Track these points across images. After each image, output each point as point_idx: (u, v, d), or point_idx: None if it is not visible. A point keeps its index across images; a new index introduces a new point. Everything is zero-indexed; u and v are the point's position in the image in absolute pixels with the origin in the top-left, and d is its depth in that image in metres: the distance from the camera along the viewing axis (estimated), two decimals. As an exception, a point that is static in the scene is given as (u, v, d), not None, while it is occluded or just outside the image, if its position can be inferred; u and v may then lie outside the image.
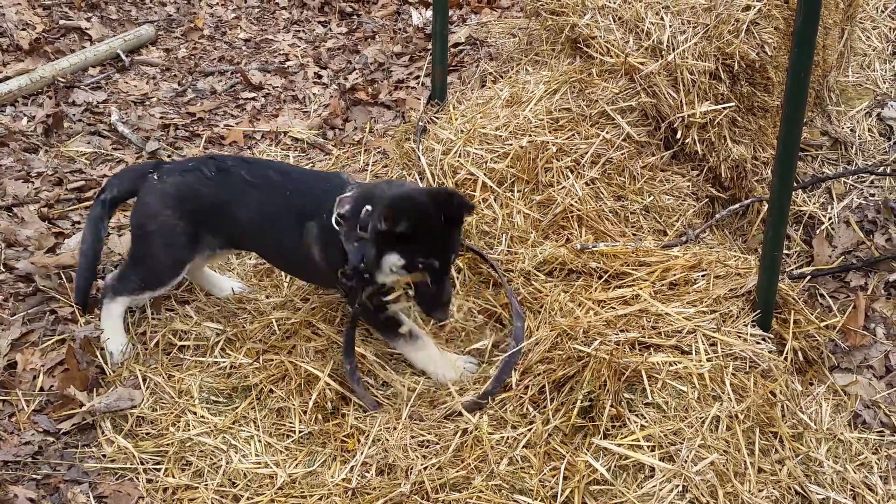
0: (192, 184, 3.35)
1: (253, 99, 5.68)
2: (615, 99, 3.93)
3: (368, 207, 3.10)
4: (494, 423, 3.07)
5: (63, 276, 3.73)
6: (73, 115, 5.19)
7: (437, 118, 4.29)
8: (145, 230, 3.37)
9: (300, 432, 3.15)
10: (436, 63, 4.42)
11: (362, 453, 3.00)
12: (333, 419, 3.19)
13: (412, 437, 3.06)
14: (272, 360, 3.38)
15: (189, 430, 3.15)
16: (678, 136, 3.93)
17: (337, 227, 3.17)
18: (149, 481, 3.00)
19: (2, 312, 3.58)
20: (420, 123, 4.23)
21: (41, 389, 3.29)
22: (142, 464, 3.04)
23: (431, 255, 3.02)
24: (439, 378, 3.29)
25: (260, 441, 3.12)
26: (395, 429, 3.08)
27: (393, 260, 3.05)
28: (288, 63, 6.13)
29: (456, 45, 5.88)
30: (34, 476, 2.97)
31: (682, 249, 3.54)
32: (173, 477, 3.01)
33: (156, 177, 3.37)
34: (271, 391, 3.26)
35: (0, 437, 3.10)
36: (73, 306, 3.59)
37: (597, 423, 2.92)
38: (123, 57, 5.84)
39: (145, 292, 3.45)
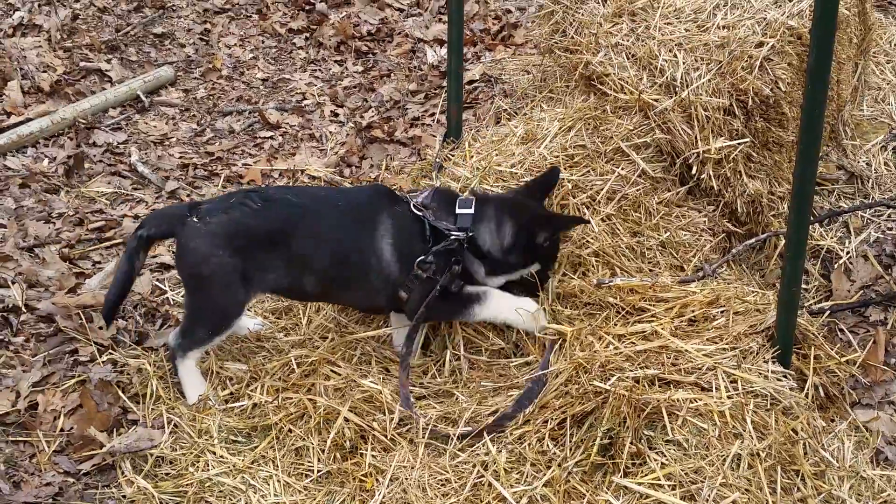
0: (239, 219, 3.31)
1: (270, 137, 5.74)
2: (630, 135, 3.95)
3: (470, 198, 3.42)
4: (514, 459, 3.06)
5: (83, 317, 3.76)
6: (94, 155, 5.26)
7: (452, 155, 4.32)
8: (200, 276, 3.32)
9: (319, 471, 3.14)
10: (451, 101, 4.46)
11: (381, 493, 2.99)
12: (352, 458, 3.18)
13: (430, 475, 3.05)
14: (291, 398, 3.38)
15: (209, 469, 3.15)
16: (693, 171, 3.94)
17: (418, 213, 3.34)
18: (168, 522, 3.00)
19: (23, 353, 3.61)
20: (437, 161, 4.26)
21: (61, 430, 3.30)
22: (161, 504, 3.04)
23: (557, 254, 3.57)
24: (527, 323, 3.45)
25: (279, 481, 3.11)
26: (412, 468, 3.07)
27: (534, 269, 3.51)
28: (305, 102, 6.20)
29: (470, 82, 5.94)
30: (55, 517, 2.99)
31: (700, 285, 3.53)
32: (192, 518, 3.01)
33: (196, 219, 3.30)
34: (290, 430, 3.26)
35: (21, 479, 3.11)
36: (93, 346, 3.62)
37: (617, 460, 2.90)
38: (143, 98, 5.93)
39: (213, 339, 3.42)
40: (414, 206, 3.38)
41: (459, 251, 3.38)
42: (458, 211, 3.39)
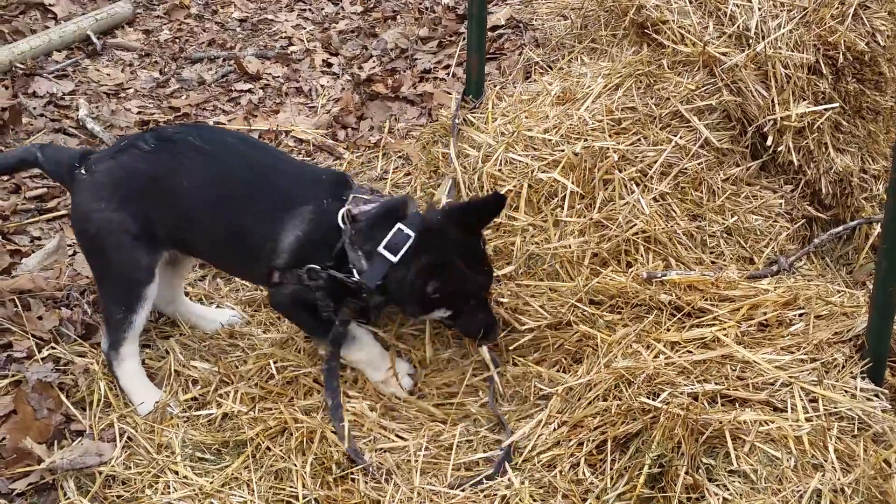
0: (126, 164, 3.37)
1: (249, 91, 5.73)
2: (691, 97, 3.93)
3: (408, 232, 3.23)
4: (541, 490, 3.06)
5: (19, 304, 3.76)
6: (34, 108, 5.25)
7: (472, 118, 4.30)
8: (88, 237, 3.41)
9: (304, 498, 3.14)
10: (471, 50, 4.43)
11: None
12: (343, 483, 3.18)
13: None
14: (270, 409, 3.39)
15: (169, 492, 3.15)
16: (768, 142, 3.92)
17: (342, 226, 3.27)
18: (119, 555, 3.01)
19: (-55, 346, 3.61)
20: (454, 123, 4.24)
21: (-9, 441, 3.30)
22: (111, 534, 3.05)
23: (476, 293, 3.38)
24: (375, 380, 3.49)
25: (255, 509, 3.11)
26: (409, 499, 3.07)
27: (440, 314, 3.40)
28: (291, 48, 6.19)
29: (494, 28, 5.91)
30: (-19, 547, 2.99)
31: (774, 282, 3.52)
32: (148, 551, 3.02)
33: (83, 171, 3.38)
34: (268, 448, 3.26)
35: (-59, 499, 3.12)
36: (31, 339, 3.62)
37: (668, 493, 2.88)
38: (95, 39, 5.92)
39: (132, 319, 3.43)
40: (342, 216, 3.29)
41: (355, 294, 3.33)
42: (380, 249, 3.25)
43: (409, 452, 3.28)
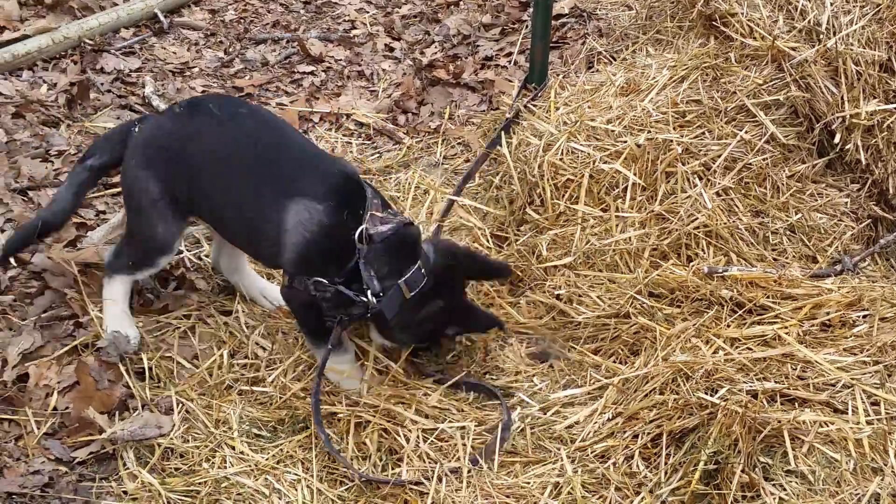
0: (159, 124, 3.47)
1: (311, 73, 5.75)
2: (758, 91, 3.89)
3: (424, 272, 3.27)
4: (594, 480, 3.05)
5: (84, 276, 3.81)
6: (101, 84, 5.32)
7: (534, 105, 4.29)
8: (124, 188, 3.54)
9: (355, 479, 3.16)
10: (535, 38, 4.43)
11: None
12: (398, 465, 3.20)
13: (485, 498, 3.05)
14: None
15: (226, 467, 3.19)
16: (836, 140, 3.88)
17: (358, 244, 3.21)
18: (175, 527, 3.05)
19: (13, 315, 3.67)
20: (509, 113, 4.24)
21: (54, 410, 3.36)
22: (168, 505, 3.09)
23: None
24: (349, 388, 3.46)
25: (309, 487, 3.14)
26: (457, 490, 3.07)
27: (450, 332, 3.47)
28: (354, 32, 6.20)
29: (558, 16, 5.86)
30: (43, 512, 3.05)
31: (837, 281, 3.49)
32: (205, 523, 3.06)
33: (136, 129, 3.49)
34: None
35: (4, 465, 3.17)
36: (94, 311, 3.67)
37: (723, 491, 2.87)
38: (162, 18, 5.97)
39: (136, 272, 3.59)
40: (360, 234, 3.22)
41: (359, 314, 3.33)
42: (400, 282, 3.24)
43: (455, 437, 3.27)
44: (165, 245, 3.51)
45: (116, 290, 3.62)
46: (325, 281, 3.25)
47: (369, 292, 3.24)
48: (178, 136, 3.42)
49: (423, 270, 3.27)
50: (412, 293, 3.25)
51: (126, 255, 3.57)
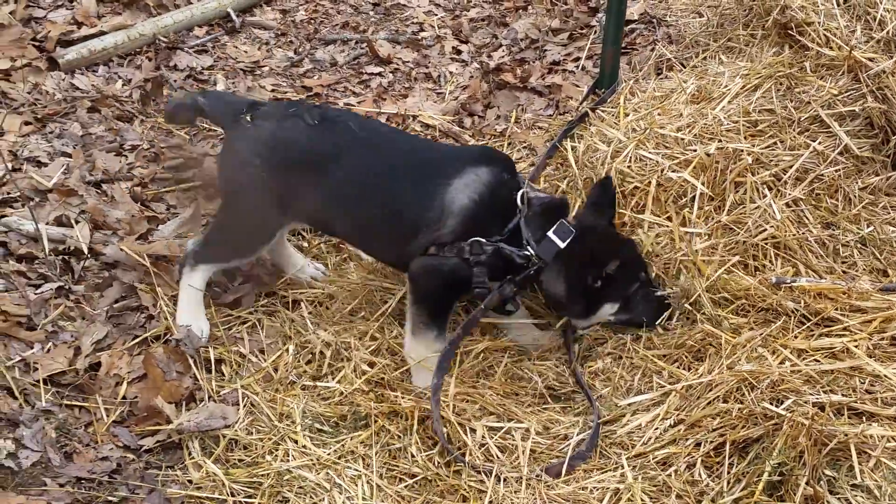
0: (288, 131, 3.52)
1: (379, 74, 5.81)
2: (833, 102, 3.86)
3: (570, 227, 3.47)
4: (654, 488, 3.05)
5: (155, 269, 3.89)
6: (175, 80, 5.43)
7: (604, 112, 4.29)
8: (232, 181, 3.60)
9: (415, 476, 3.19)
10: (607, 43, 4.43)
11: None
12: (456, 464, 3.22)
13: (544, 501, 3.06)
14: (383, 387, 3.49)
15: (288, 460, 3.24)
16: (911, 152, 3.82)
17: (520, 205, 3.42)
18: (238, 517, 3.11)
19: (86, 305, 3.77)
20: (575, 116, 4.23)
21: (123, 398, 3.45)
22: (232, 495, 3.14)
23: (641, 280, 3.57)
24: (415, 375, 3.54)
25: (369, 482, 3.18)
26: (516, 492, 3.10)
27: (608, 310, 3.59)
28: (422, 34, 6.25)
29: (627, 22, 5.84)
30: (109, 498, 3.11)
31: (908, 296, 3.43)
32: (266, 514, 3.11)
33: (249, 119, 3.54)
34: (384, 427, 3.32)
35: (74, 450, 3.26)
36: (164, 302, 3.75)
37: (787, 502, 2.85)
38: (234, 17, 6.08)
39: (231, 261, 3.70)
40: (522, 194, 3.45)
41: (522, 274, 3.47)
42: (549, 234, 3.45)
43: (514, 438, 3.31)
44: (270, 236, 3.64)
45: (197, 280, 3.71)
46: (482, 241, 3.39)
47: (530, 248, 3.42)
48: (314, 150, 3.51)
49: (568, 225, 3.48)
50: (564, 243, 3.44)
51: (223, 242, 3.67)
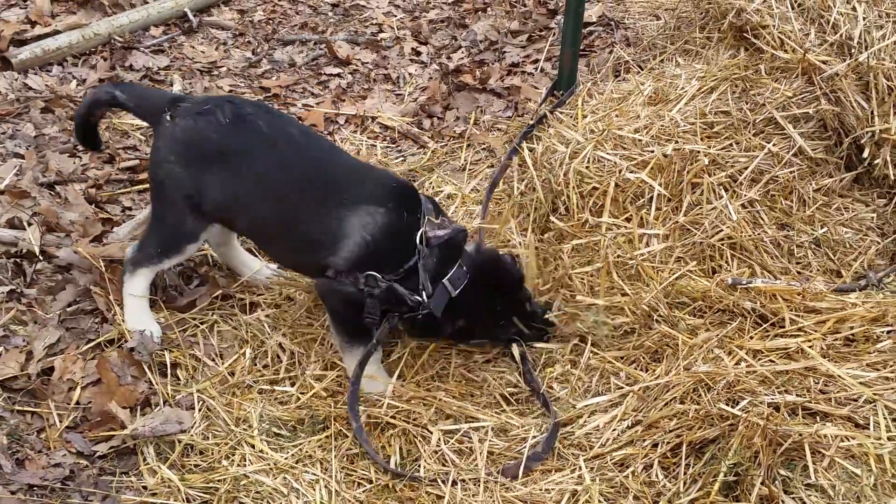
0: (202, 128, 3.51)
1: (338, 75, 5.79)
2: (787, 104, 3.90)
3: (465, 270, 3.44)
4: (612, 489, 3.06)
5: (109, 271, 3.85)
6: (130, 81, 5.36)
7: (562, 113, 4.30)
8: (154, 180, 3.62)
9: (375, 482, 3.18)
10: (565, 45, 4.45)
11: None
12: (414, 470, 3.22)
13: (504, 503, 3.06)
14: (341, 392, 3.47)
15: (245, 465, 3.22)
16: (864, 154, 3.87)
17: (419, 245, 3.37)
18: (194, 523, 3.08)
19: (38, 309, 3.72)
20: (534, 118, 4.24)
21: (77, 404, 3.40)
22: (188, 501, 3.11)
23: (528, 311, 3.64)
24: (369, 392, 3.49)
25: (327, 487, 3.16)
26: (474, 495, 3.10)
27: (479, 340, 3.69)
28: (381, 35, 6.23)
29: (586, 24, 5.86)
30: (62, 505, 3.08)
31: (862, 296, 3.47)
32: (223, 520, 3.08)
33: (170, 118, 3.55)
34: (341, 431, 3.31)
35: (26, 456, 3.21)
36: (118, 306, 3.71)
37: (743, 503, 2.87)
38: (191, 16, 6.03)
39: (162, 260, 3.66)
40: (421, 236, 3.40)
41: (409, 313, 3.45)
42: (445, 281, 3.41)
43: (472, 440, 3.31)
44: (194, 235, 3.61)
45: (138, 285, 3.68)
46: (377, 276, 3.35)
47: (424, 293, 3.38)
48: (224, 148, 3.49)
49: (464, 268, 3.45)
50: (456, 291, 3.41)
51: (153, 243, 3.64)
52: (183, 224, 3.58)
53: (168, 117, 3.55)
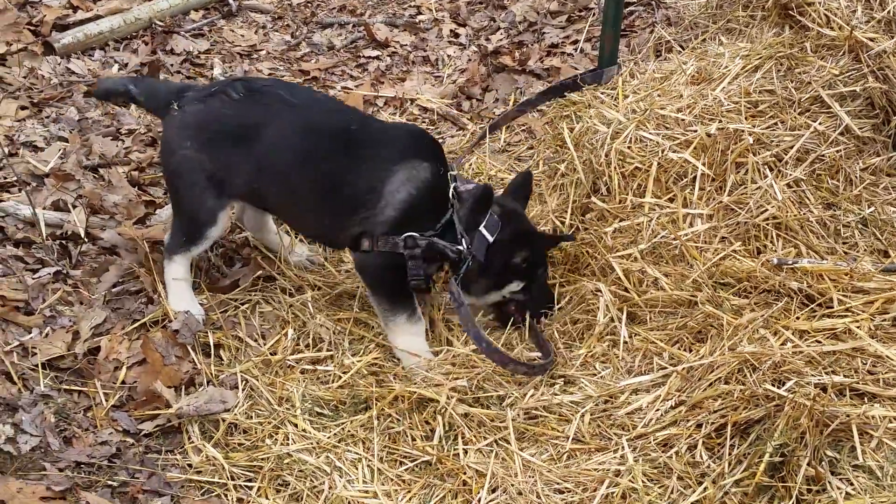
0: (214, 108, 3.53)
1: (377, 58, 5.80)
2: (834, 82, 3.84)
3: (497, 219, 3.57)
4: (655, 469, 3.05)
5: (152, 252, 3.88)
6: (171, 65, 5.41)
7: (603, 93, 4.27)
8: (168, 170, 3.65)
9: (415, 459, 3.19)
10: (606, 25, 4.41)
11: (483, 499, 3.01)
12: (455, 447, 3.21)
13: (545, 483, 3.06)
14: (384, 371, 3.50)
15: (288, 444, 3.24)
16: (913, 132, 3.81)
17: (453, 201, 3.49)
18: (238, 500, 3.10)
19: (84, 290, 3.76)
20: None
21: (122, 383, 3.44)
22: (232, 479, 3.15)
23: (543, 268, 3.75)
24: (411, 367, 3.53)
25: (369, 465, 3.17)
26: (516, 474, 3.09)
27: (512, 287, 3.69)
28: (420, 17, 6.23)
29: (626, 4, 5.84)
30: (109, 483, 3.10)
31: (911, 276, 3.42)
32: (267, 498, 3.10)
33: (177, 107, 3.58)
34: (384, 410, 3.31)
35: (73, 434, 3.25)
36: (161, 287, 3.74)
37: (788, 484, 2.84)
38: (231, 0, 6.05)
39: (191, 247, 3.69)
40: (455, 189, 3.52)
41: (452, 264, 3.55)
42: (481, 229, 3.52)
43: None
44: (213, 219, 3.62)
45: (177, 269, 3.70)
46: (416, 236, 3.42)
47: (464, 241, 3.48)
48: (244, 121, 3.51)
49: (495, 216, 3.57)
50: (493, 237, 3.53)
51: (178, 232, 3.68)
52: (200, 211, 3.61)
53: (175, 107, 3.58)
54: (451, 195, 3.49)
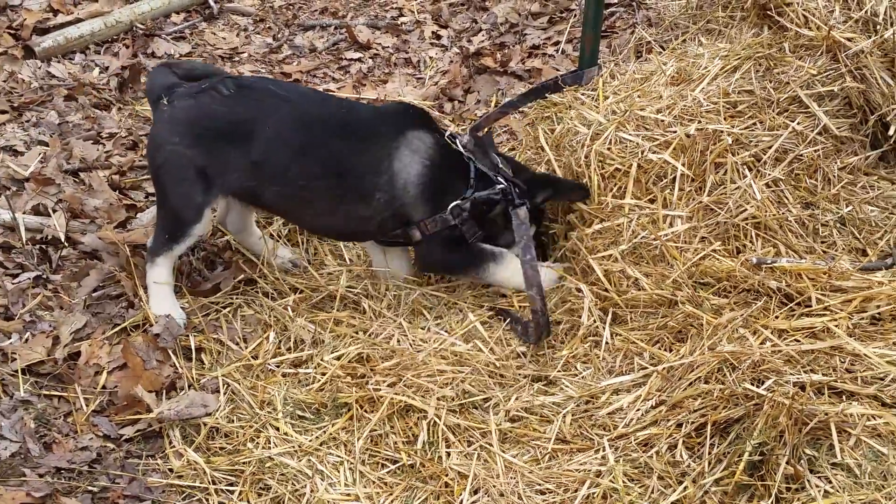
0: (204, 105, 3.53)
1: (359, 60, 5.80)
2: (812, 82, 3.84)
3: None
4: (636, 469, 3.06)
5: (133, 256, 3.87)
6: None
7: (583, 95, 4.28)
8: (154, 166, 3.63)
9: (397, 462, 3.19)
10: (587, 26, 4.40)
11: (468, 502, 3.02)
12: (437, 452, 3.21)
13: (526, 484, 3.06)
14: (363, 375, 3.46)
15: (269, 448, 3.23)
16: (890, 132, 3.82)
17: (464, 151, 3.60)
18: (219, 505, 3.10)
19: (64, 295, 3.75)
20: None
21: (103, 388, 3.43)
22: (213, 483, 3.14)
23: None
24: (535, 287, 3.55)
25: (351, 468, 3.17)
26: (498, 476, 3.10)
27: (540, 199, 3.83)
28: (402, 19, 6.23)
29: (607, 5, 5.87)
30: (90, 488, 3.10)
31: (888, 274, 3.43)
32: (248, 502, 3.09)
33: (166, 102, 3.57)
34: (366, 413, 3.31)
35: (53, 440, 3.24)
36: (143, 291, 3.73)
37: (768, 482, 2.85)
38: (212, 3, 6.06)
39: (173, 246, 3.67)
40: (463, 145, 3.65)
41: (501, 202, 3.64)
42: (500, 165, 3.64)
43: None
44: (198, 215, 3.61)
45: (159, 272, 3.69)
46: (459, 204, 3.57)
47: (501, 181, 3.63)
48: (236, 117, 3.51)
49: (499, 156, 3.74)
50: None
51: (161, 231, 3.66)
52: (186, 207, 3.60)
53: (165, 102, 3.57)
54: (462, 151, 3.61)
